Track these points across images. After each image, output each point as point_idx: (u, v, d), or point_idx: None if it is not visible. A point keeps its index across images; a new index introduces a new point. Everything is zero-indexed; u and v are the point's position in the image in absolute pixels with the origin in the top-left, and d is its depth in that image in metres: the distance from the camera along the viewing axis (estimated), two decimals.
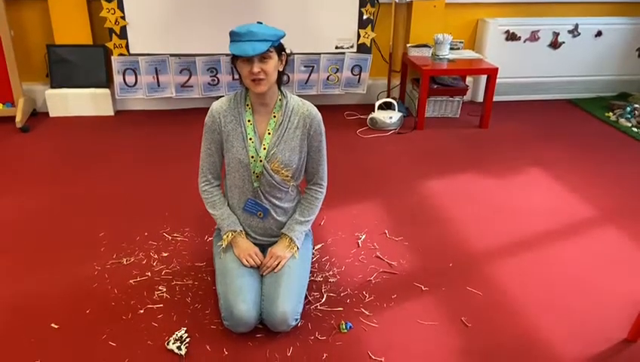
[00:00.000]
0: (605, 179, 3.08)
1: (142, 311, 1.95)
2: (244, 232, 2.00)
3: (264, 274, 1.93)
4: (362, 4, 3.75)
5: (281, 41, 1.85)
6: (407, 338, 1.86)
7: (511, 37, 4.17)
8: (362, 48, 3.88)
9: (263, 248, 2.03)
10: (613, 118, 4.01)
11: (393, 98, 3.96)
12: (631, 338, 1.87)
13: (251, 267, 1.93)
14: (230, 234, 1.97)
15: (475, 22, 4.25)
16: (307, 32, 3.75)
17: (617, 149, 3.52)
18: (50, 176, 2.99)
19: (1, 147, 3.35)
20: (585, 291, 2.13)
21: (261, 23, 1.82)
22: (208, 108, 1.95)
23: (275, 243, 2.01)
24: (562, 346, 1.83)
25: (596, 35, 4.28)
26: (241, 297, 1.79)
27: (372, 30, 3.84)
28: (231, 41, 1.79)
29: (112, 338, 1.82)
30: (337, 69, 3.92)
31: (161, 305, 1.98)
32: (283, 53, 1.88)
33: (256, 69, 1.77)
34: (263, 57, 1.78)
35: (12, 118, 3.57)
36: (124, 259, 2.24)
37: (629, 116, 3.93)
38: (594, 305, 2.04)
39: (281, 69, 1.88)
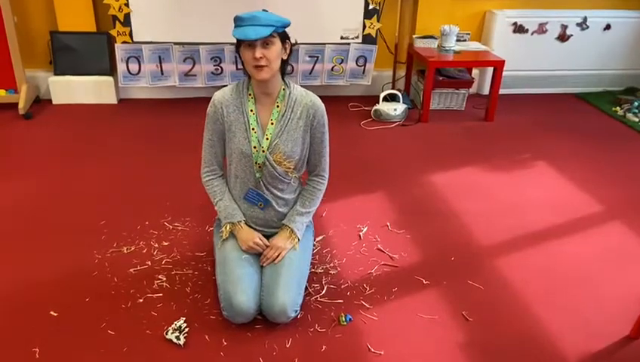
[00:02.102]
0: (611, 174, 3.05)
1: (141, 301, 1.94)
2: (243, 221, 1.97)
3: (264, 264, 1.92)
4: None
5: (286, 31, 1.83)
6: (407, 332, 1.85)
7: (518, 29, 4.13)
8: (367, 39, 3.84)
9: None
10: (620, 112, 3.97)
11: (398, 90, 3.93)
12: (633, 335, 1.85)
13: (255, 253, 1.92)
14: (228, 226, 1.95)
15: (482, 13, 4.20)
16: (312, 21, 3.71)
17: (624, 144, 3.48)
18: (52, 163, 2.98)
19: (3, 134, 3.35)
20: (588, 286, 2.11)
21: (266, 11, 1.80)
22: (211, 98, 1.93)
23: (275, 233, 2.00)
24: (564, 341, 1.82)
25: (605, 29, 4.23)
26: (240, 287, 1.79)
27: (378, 21, 3.80)
28: (235, 27, 1.76)
29: (111, 326, 1.82)
30: (342, 60, 3.89)
31: (161, 295, 1.97)
32: (287, 41, 1.85)
33: (258, 54, 1.74)
34: (266, 43, 1.75)
35: (15, 105, 3.56)
36: (125, 248, 2.24)
37: (637, 111, 3.89)
38: (597, 301, 2.03)
39: (285, 58, 1.86)
